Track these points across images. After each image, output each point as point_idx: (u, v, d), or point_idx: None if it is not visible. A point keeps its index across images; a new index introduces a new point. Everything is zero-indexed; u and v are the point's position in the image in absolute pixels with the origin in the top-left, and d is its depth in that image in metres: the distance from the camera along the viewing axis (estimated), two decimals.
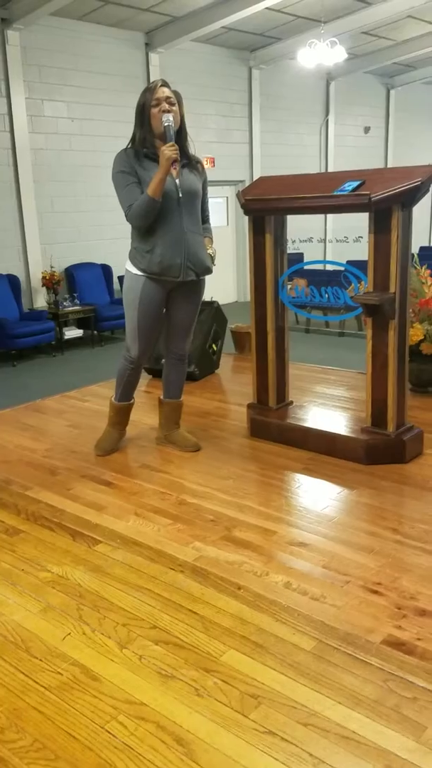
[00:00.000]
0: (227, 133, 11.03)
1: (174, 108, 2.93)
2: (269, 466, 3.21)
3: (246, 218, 3.39)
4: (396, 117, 14.31)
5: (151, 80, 9.49)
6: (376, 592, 2.15)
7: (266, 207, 3.26)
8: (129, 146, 3.03)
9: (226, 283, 11.75)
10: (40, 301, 8.79)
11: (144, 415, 3.85)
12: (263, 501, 2.86)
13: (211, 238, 3.27)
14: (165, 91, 2.92)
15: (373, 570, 2.27)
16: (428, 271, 4.05)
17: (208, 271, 3.16)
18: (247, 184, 11.17)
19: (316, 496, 2.89)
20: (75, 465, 3.28)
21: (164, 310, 3.22)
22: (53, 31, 8.40)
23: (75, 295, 8.77)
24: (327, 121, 12.82)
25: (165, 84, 2.96)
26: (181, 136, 3.01)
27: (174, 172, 2.98)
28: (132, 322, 3.16)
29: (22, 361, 8.07)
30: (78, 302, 8.69)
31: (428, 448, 3.26)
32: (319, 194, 3.02)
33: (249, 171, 11.46)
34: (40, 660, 1.88)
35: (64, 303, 8.63)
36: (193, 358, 4.66)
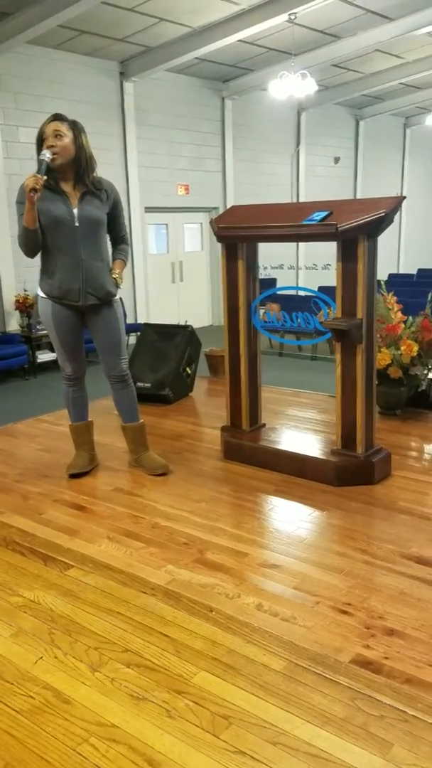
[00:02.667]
0: (201, 162, 11.21)
1: (61, 141, 2.99)
2: (242, 488, 3.25)
3: (220, 244, 3.47)
4: (365, 147, 14.68)
5: (126, 109, 9.70)
6: (345, 612, 2.19)
7: (238, 235, 3.35)
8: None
9: (200, 307, 11.85)
10: (13, 324, 8.77)
11: (116, 439, 3.86)
12: (236, 523, 2.89)
13: (124, 260, 3.34)
14: (52, 126, 3.00)
15: (342, 590, 2.31)
16: (394, 298, 4.17)
17: (110, 295, 3.24)
18: (221, 210, 11.36)
19: (288, 517, 2.93)
20: (47, 489, 3.28)
21: (84, 331, 3.31)
22: (29, 58, 8.51)
23: None
24: (298, 150, 13.10)
25: (57, 118, 3.05)
26: (77, 164, 3.08)
27: (73, 201, 3.08)
28: (56, 343, 3.31)
29: None
30: None
31: (396, 469, 3.33)
32: (289, 223, 3.11)
33: (222, 198, 11.64)
34: (12, 684, 1.88)
35: (37, 326, 8.62)
36: (168, 380, 4.70)
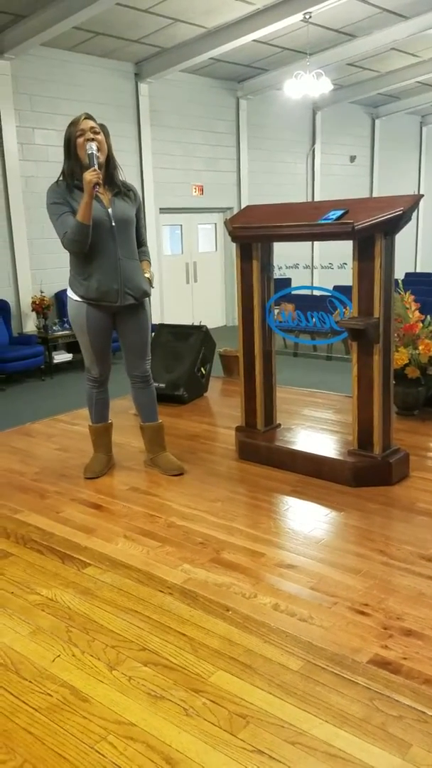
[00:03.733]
0: (215, 162, 11.22)
1: (98, 137, 3.03)
2: (257, 488, 3.24)
3: (234, 244, 3.47)
4: (381, 146, 14.61)
5: (141, 110, 9.73)
6: (363, 612, 2.18)
7: (253, 234, 3.34)
8: (60, 179, 3.13)
9: (214, 308, 11.86)
10: (30, 325, 8.83)
11: (133, 438, 3.88)
12: (252, 523, 2.89)
13: (149, 261, 3.37)
14: (89, 123, 3.03)
15: (360, 591, 2.30)
16: (412, 297, 4.14)
17: (146, 294, 3.26)
18: (235, 211, 11.36)
19: (304, 518, 2.92)
20: (64, 488, 3.30)
21: (113, 332, 3.31)
22: (44, 60, 8.56)
23: (65, 319, 8.80)
24: (313, 150, 13.07)
25: (89, 117, 3.06)
26: (109, 165, 3.11)
27: (106, 202, 3.08)
28: (86, 347, 3.29)
29: (12, 385, 8.07)
30: (67, 327, 8.72)
31: (414, 470, 3.31)
32: (304, 223, 3.11)
33: (237, 198, 11.64)
34: (30, 681, 1.89)
35: (54, 327, 8.67)
36: (182, 381, 4.71)
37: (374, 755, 1.59)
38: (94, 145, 2.97)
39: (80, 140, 3.00)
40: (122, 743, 1.65)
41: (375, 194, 14.34)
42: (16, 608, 2.26)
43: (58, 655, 2.00)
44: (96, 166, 2.93)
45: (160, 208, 10.42)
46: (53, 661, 1.98)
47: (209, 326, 5.29)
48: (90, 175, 2.90)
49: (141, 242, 3.33)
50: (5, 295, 8.52)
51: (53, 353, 8.63)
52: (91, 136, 3.00)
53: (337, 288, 4.06)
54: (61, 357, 8.78)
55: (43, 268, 8.75)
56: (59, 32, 7.58)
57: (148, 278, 3.28)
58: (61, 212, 3.05)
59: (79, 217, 2.96)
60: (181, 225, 11.20)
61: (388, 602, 2.23)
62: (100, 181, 2.94)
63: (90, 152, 2.95)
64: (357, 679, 1.85)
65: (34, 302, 8.61)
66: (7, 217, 8.45)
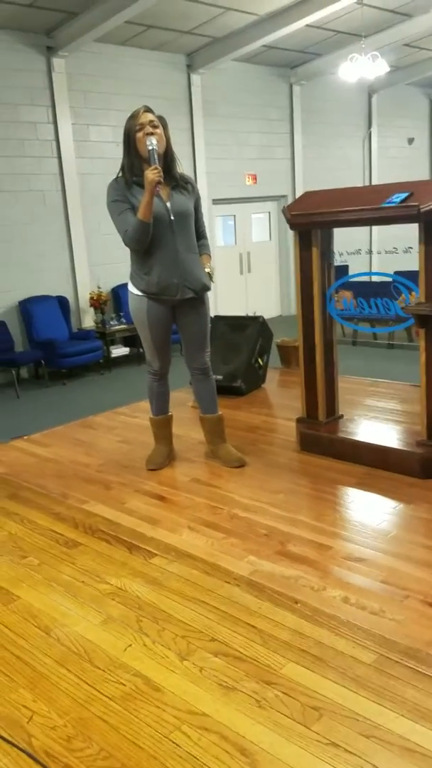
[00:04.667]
0: (269, 150, 11.11)
1: (157, 131, 2.99)
2: (321, 480, 3.20)
3: (289, 233, 3.41)
4: None
5: (194, 101, 9.72)
6: None
7: (312, 221, 3.28)
8: (119, 175, 3.11)
9: (269, 298, 11.78)
10: (88, 320, 8.97)
11: (192, 430, 3.88)
12: (316, 516, 2.85)
13: (209, 255, 3.33)
14: (148, 116, 2.99)
15: None
16: None
17: (206, 288, 3.23)
18: (290, 199, 11.23)
19: (371, 510, 2.87)
20: (128, 479, 3.34)
21: (173, 325, 3.31)
22: (97, 57, 8.64)
23: (121, 314, 8.92)
24: (370, 133, 12.79)
25: (148, 110, 3.03)
26: (167, 158, 3.08)
27: (164, 195, 3.06)
28: (147, 340, 3.31)
29: (72, 379, 8.23)
30: (124, 321, 8.83)
31: None
32: (367, 207, 3.03)
33: (291, 186, 11.51)
34: (103, 671, 1.92)
35: (111, 322, 8.79)
36: (240, 373, 4.69)
37: None
38: (153, 140, 2.94)
39: (139, 134, 2.99)
40: (196, 733, 1.66)
41: None
42: (87, 597, 2.30)
43: (130, 645, 2.02)
44: (157, 163, 2.92)
45: (213, 199, 10.40)
46: (125, 650, 2.00)
47: (264, 317, 5.25)
48: (152, 174, 2.88)
49: (200, 234, 3.31)
50: (64, 292, 8.68)
51: (111, 347, 8.75)
52: (150, 130, 2.97)
53: (398, 273, 3.95)
54: (119, 351, 8.90)
55: (100, 264, 8.87)
56: (111, 27, 7.64)
57: (209, 273, 3.26)
58: (121, 210, 3.06)
59: (139, 215, 2.96)
60: (234, 215, 11.15)
61: None
62: (162, 179, 2.92)
63: (150, 148, 2.93)
64: None
65: (92, 298, 8.75)
66: (65, 215, 8.59)
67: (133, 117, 3.02)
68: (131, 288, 3.24)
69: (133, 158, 3.05)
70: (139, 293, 3.19)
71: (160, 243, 3.07)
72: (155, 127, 3.00)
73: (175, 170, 3.14)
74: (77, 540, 2.72)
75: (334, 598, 2.20)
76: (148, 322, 3.22)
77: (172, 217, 3.07)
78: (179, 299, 3.16)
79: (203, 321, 3.31)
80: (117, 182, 3.11)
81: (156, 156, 2.94)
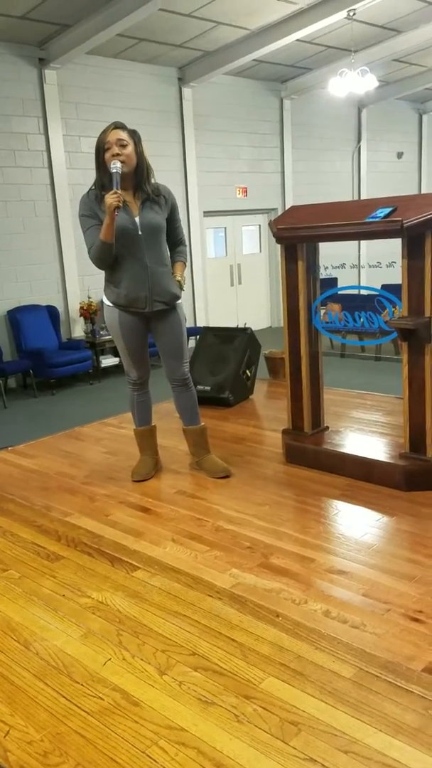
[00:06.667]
0: (259, 163, 11.19)
1: (125, 150, 3.00)
2: (306, 492, 3.21)
3: (278, 245, 3.44)
4: (429, 142, 14.34)
5: (185, 114, 9.79)
6: (417, 620, 2.12)
7: (298, 235, 3.31)
8: (92, 188, 3.14)
9: (259, 310, 11.83)
10: (78, 330, 8.97)
11: (179, 442, 3.88)
12: (300, 528, 2.85)
13: (184, 263, 3.35)
14: (117, 134, 3.00)
15: (414, 598, 2.25)
16: None
17: (176, 298, 3.25)
18: (280, 212, 11.30)
19: (355, 523, 2.87)
20: (112, 491, 3.33)
21: (148, 336, 3.34)
22: (89, 69, 8.69)
23: None
24: (359, 148, 12.91)
25: (118, 126, 3.04)
26: (138, 173, 3.09)
27: (134, 210, 3.09)
28: (122, 350, 3.34)
29: (61, 389, 8.22)
30: None
31: None
32: (351, 221, 3.06)
33: (281, 199, 11.59)
34: (82, 684, 1.90)
35: (101, 332, 8.79)
36: (228, 383, 4.70)
37: (430, 765, 1.54)
38: (117, 164, 2.95)
39: (107, 155, 3.00)
40: (173, 748, 1.65)
41: (424, 191, 14.09)
42: (67, 611, 2.28)
43: (109, 659, 2.01)
44: (117, 187, 2.92)
45: (204, 212, 10.45)
46: (104, 664, 1.99)
47: (254, 328, 5.27)
48: (110, 199, 2.89)
49: (178, 242, 3.33)
50: (54, 302, 8.69)
51: (101, 357, 8.75)
52: (117, 150, 2.98)
53: (385, 287, 3.99)
54: (109, 361, 8.89)
55: (90, 274, 8.87)
56: (103, 40, 7.70)
57: (179, 281, 3.26)
58: (88, 225, 3.09)
59: (101, 236, 2.99)
60: (225, 227, 11.21)
61: None
62: (120, 205, 2.91)
63: (113, 171, 2.94)
64: (411, 687, 1.81)
65: (81, 308, 8.76)
66: (56, 225, 8.61)
67: (103, 133, 3.04)
68: (104, 299, 3.28)
69: (102, 175, 3.07)
70: (110, 304, 3.24)
71: (129, 256, 3.10)
72: (123, 146, 3.00)
73: (146, 185, 3.13)
74: (59, 553, 2.70)
75: (316, 612, 2.19)
76: (121, 332, 3.26)
77: (140, 232, 3.09)
78: (149, 312, 3.18)
79: (178, 331, 3.32)
80: (88, 196, 3.13)
81: (118, 180, 2.94)
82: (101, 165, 3.06)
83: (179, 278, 3.26)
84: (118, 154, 2.98)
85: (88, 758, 1.64)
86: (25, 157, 8.27)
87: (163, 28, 8.13)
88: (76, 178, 8.66)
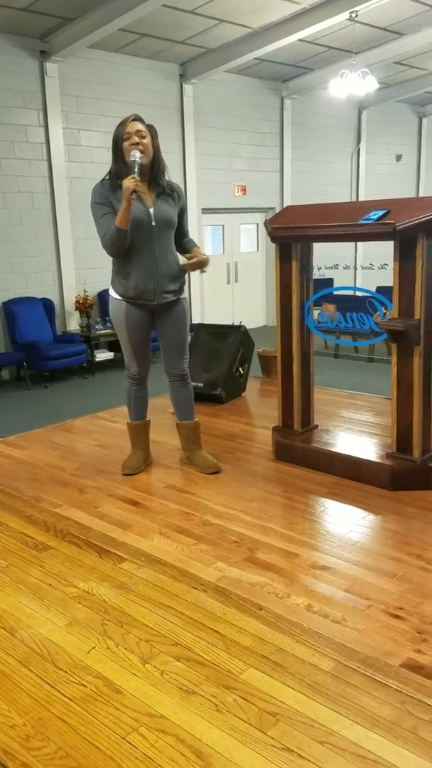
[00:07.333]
0: (258, 162, 11.21)
1: (144, 141, 3.05)
2: (293, 489, 3.24)
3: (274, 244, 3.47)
4: (428, 145, 14.37)
5: (185, 111, 9.79)
6: (397, 616, 2.16)
7: (292, 235, 3.34)
8: (106, 178, 3.16)
9: (255, 308, 11.85)
10: (73, 324, 8.98)
11: (170, 437, 3.91)
12: (287, 524, 2.89)
13: (197, 246, 3.39)
14: (136, 126, 3.05)
15: (395, 595, 2.29)
16: None
17: (181, 287, 3.27)
18: (278, 211, 11.32)
19: (340, 520, 2.91)
20: (102, 484, 3.36)
21: (152, 330, 3.36)
22: (90, 63, 8.68)
23: (107, 318, 8.92)
24: (358, 149, 12.94)
25: (137, 118, 3.09)
26: (154, 167, 3.14)
27: (148, 201, 3.12)
28: (125, 344, 3.35)
29: (55, 382, 8.22)
30: (109, 326, 8.83)
31: None
32: (345, 223, 3.09)
33: (279, 198, 11.61)
34: (65, 672, 1.93)
35: (96, 326, 8.80)
36: (220, 380, 4.73)
37: (404, 758, 1.58)
38: (137, 153, 3.01)
39: (126, 144, 3.04)
40: (153, 735, 1.68)
41: (422, 194, 14.12)
42: (53, 600, 2.31)
43: (93, 647, 2.04)
44: (136, 173, 2.97)
45: (203, 209, 10.46)
46: (88, 652, 2.02)
47: (249, 326, 5.30)
48: (128, 182, 2.94)
49: (184, 234, 3.36)
50: (50, 294, 8.69)
51: (95, 351, 8.76)
52: (137, 140, 3.03)
53: (380, 289, 4.02)
54: (103, 355, 8.90)
55: (86, 267, 8.89)
56: (106, 34, 7.69)
57: (202, 260, 3.22)
58: (102, 213, 3.11)
59: (117, 222, 3.01)
60: (223, 225, 11.22)
61: (423, 607, 2.20)
62: (138, 189, 2.97)
63: (133, 159, 3.00)
64: (389, 682, 1.84)
65: (77, 301, 8.76)
66: (53, 218, 8.61)
67: (122, 125, 3.08)
68: (111, 291, 3.29)
69: (120, 165, 3.09)
70: (118, 297, 3.24)
71: (140, 248, 3.12)
72: (142, 137, 3.05)
73: (162, 178, 3.18)
74: (47, 543, 2.73)
75: (298, 606, 2.23)
76: (127, 326, 3.27)
77: (154, 224, 3.12)
78: (157, 304, 3.20)
79: (182, 326, 3.35)
80: (102, 185, 3.15)
81: (138, 167, 2.99)
82: (119, 155, 3.08)
83: (202, 256, 3.24)
84: (137, 144, 3.03)
85: (70, 743, 1.67)
86: (25, 149, 8.26)
87: (166, 24, 8.13)
88: (74, 171, 8.66)
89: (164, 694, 1.83)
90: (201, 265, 3.24)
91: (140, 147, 3.03)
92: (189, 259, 3.25)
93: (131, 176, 2.95)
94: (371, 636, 2.06)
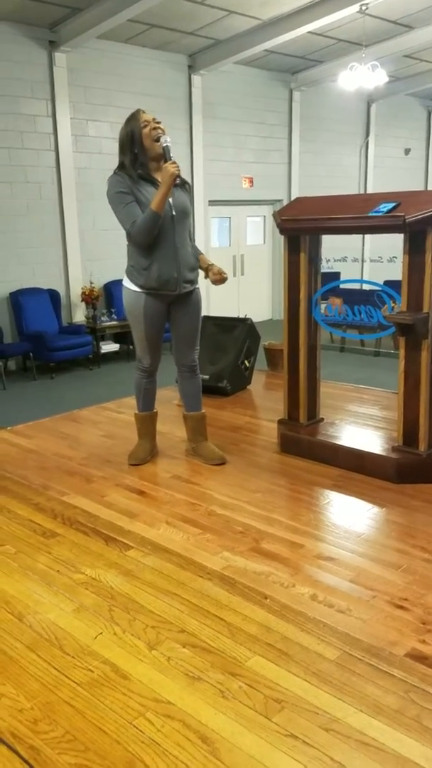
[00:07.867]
0: (266, 154, 11.18)
1: (162, 125, 3.09)
2: (298, 481, 3.25)
3: (282, 237, 3.47)
4: None
5: (194, 102, 9.76)
6: (401, 607, 2.18)
7: (301, 227, 3.34)
8: (117, 171, 3.16)
9: (260, 301, 11.84)
10: (79, 315, 8.99)
11: (175, 428, 3.93)
12: (292, 515, 2.90)
13: (203, 254, 3.44)
14: (150, 115, 3.10)
15: (400, 586, 2.30)
16: None
17: (196, 277, 3.31)
18: (285, 203, 11.30)
19: (345, 512, 2.92)
20: (109, 473, 3.37)
21: (166, 323, 3.37)
22: (99, 53, 8.66)
23: (113, 310, 8.95)
24: (367, 142, 12.89)
25: (144, 111, 3.13)
26: (167, 158, 3.13)
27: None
28: (140, 337, 3.35)
29: (60, 373, 8.25)
30: (115, 317, 8.87)
31: None
32: (354, 215, 3.09)
33: (287, 191, 11.58)
34: (73, 657, 1.95)
35: (102, 318, 8.82)
36: (226, 373, 4.74)
37: (407, 745, 1.59)
38: (167, 138, 3.05)
39: (146, 130, 3.06)
40: (160, 720, 1.70)
41: (430, 187, 14.07)
42: (61, 586, 2.33)
43: (100, 633, 2.06)
44: (172, 157, 3.02)
45: (210, 201, 10.45)
46: (95, 638, 2.04)
47: (255, 319, 5.30)
48: (173, 167, 2.98)
49: (191, 238, 3.36)
50: (56, 285, 8.70)
51: (101, 343, 8.78)
52: (156, 125, 3.07)
53: (387, 282, 4.02)
54: (109, 347, 8.92)
55: (93, 259, 8.90)
56: (115, 24, 7.67)
57: (225, 279, 3.32)
58: (126, 201, 3.09)
59: (153, 206, 3.01)
60: (229, 217, 11.20)
61: (427, 598, 2.22)
62: (180, 173, 3.02)
63: (165, 144, 3.03)
64: (393, 671, 1.86)
65: (83, 293, 8.77)
66: (60, 209, 8.61)
67: (135, 118, 3.09)
68: (127, 284, 3.26)
69: (140, 154, 3.09)
70: (137, 289, 3.22)
71: (161, 238, 3.13)
72: (158, 122, 3.09)
73: None
74: (55, 530, 2.75)
75: (303, 595, 2.24)
76: (144, 318, 3.25)
77: (174, 213, 3.13)
78: (176, 294, 3.22)
79: (196, 318, 3.37)
80: (120, 176, 3.13)
81: (171, 152, 3.04)
82: (138, 145, 3.08)
83: (225, 274, 3.33)
84: (157, 128, 3.06)
85: (77, 727, 1.69)
86: (33, 139, 8.26)
87: (175, 15, 8.10)
88: (82, 161, 8.66)
89: (170, 680, 1.85)
90: (224, 281, 3.32)
91: (163, 129, 3.07)
92: (206, 270, 3.32)
93: (172, 161, 3.00)
94: (376, 626, 2.07)
